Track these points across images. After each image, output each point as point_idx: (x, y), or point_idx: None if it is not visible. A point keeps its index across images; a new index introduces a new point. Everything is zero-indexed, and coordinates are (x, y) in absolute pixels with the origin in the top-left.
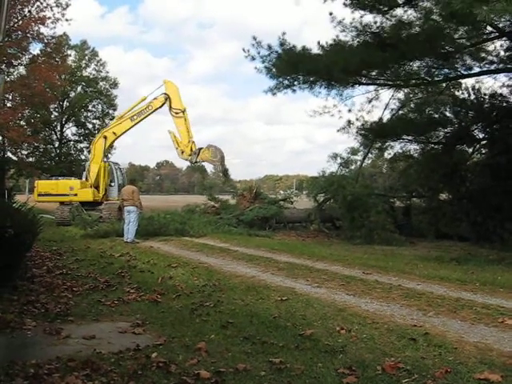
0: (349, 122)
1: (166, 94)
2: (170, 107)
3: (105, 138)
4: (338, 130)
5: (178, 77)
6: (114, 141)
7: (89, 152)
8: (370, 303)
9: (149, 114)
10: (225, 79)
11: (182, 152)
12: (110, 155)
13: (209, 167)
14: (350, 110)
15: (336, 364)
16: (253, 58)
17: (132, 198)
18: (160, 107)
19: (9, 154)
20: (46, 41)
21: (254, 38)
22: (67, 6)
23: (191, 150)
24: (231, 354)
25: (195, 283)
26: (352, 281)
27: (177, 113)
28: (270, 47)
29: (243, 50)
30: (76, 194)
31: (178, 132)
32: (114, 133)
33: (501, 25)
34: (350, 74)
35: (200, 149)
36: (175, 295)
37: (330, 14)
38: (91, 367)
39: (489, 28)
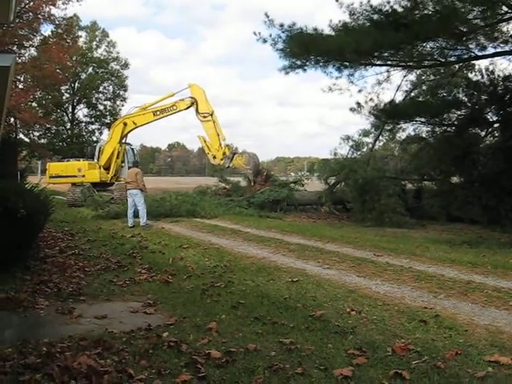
0: (358, 104)
1: (192, 97)
2: (197, 111)
3: (125, 124)
4: (351, 109)
5: (191, 58)
6: (132, 129)
7: (100, 133)
8: (380, 285)
9: (172, 113)
10: (237, 60)
11: (214, 157)
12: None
13: None
14: (360, 91)
15: (346, 345)
16: (264, 41)
17: (135, 180)
18: (185, 109)
19: (21, 136)
20: (57, 22)
21: (267, 16)
22: None
23: (224, 154)
24: (242, 334)
25: (206, 264)
26: (363, 263)
27: (205, 116)
28: (281, 26)
29: (254, 33)
30: (84, 176)
31: (208, 136)
32: (135, 122)
33: None
34: (362, 55)
35: (234, 154)
36: (186, 276)
37: (337, 0)
38: (103, 346)
39: (504, 8)
